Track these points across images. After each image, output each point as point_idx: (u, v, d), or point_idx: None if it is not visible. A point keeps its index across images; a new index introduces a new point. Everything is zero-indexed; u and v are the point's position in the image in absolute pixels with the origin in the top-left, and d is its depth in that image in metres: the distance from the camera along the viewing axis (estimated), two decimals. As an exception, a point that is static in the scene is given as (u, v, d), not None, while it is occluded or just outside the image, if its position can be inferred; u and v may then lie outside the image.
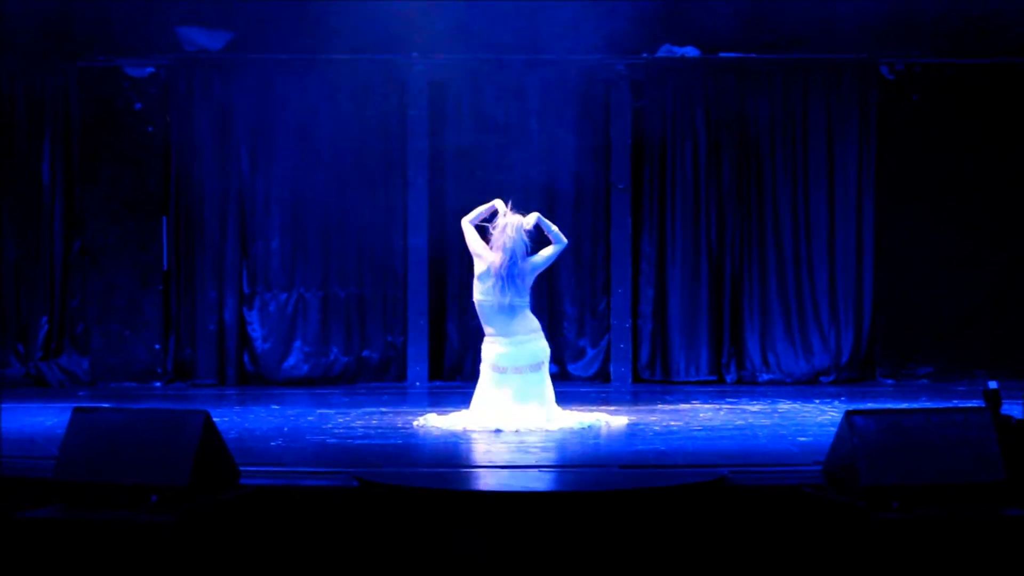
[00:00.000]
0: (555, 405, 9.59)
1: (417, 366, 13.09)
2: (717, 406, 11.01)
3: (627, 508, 6.62)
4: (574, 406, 10.21)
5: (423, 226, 13.09)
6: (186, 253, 13.19)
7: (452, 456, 8.36)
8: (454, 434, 9.12)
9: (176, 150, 13.18)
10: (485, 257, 9.48)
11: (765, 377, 13.15)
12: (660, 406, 11.04)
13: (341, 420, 10.01)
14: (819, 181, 13.21)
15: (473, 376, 9.84)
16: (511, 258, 9.38)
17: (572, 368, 13.32)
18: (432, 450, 8.60)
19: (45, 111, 13.13)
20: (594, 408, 10.28)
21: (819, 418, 10.06)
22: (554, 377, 9.75)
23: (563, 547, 6.51)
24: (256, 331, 13.20)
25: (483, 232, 9.56)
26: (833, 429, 6.68)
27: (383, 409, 10.79)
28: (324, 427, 9.58)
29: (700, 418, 10.12)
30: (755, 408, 10.84)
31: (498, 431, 9.11)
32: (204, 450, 6.29)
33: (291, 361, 13.19)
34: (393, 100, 13.18)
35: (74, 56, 13.08)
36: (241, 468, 6.77)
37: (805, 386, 12.86)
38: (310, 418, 10.16)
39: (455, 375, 13.25)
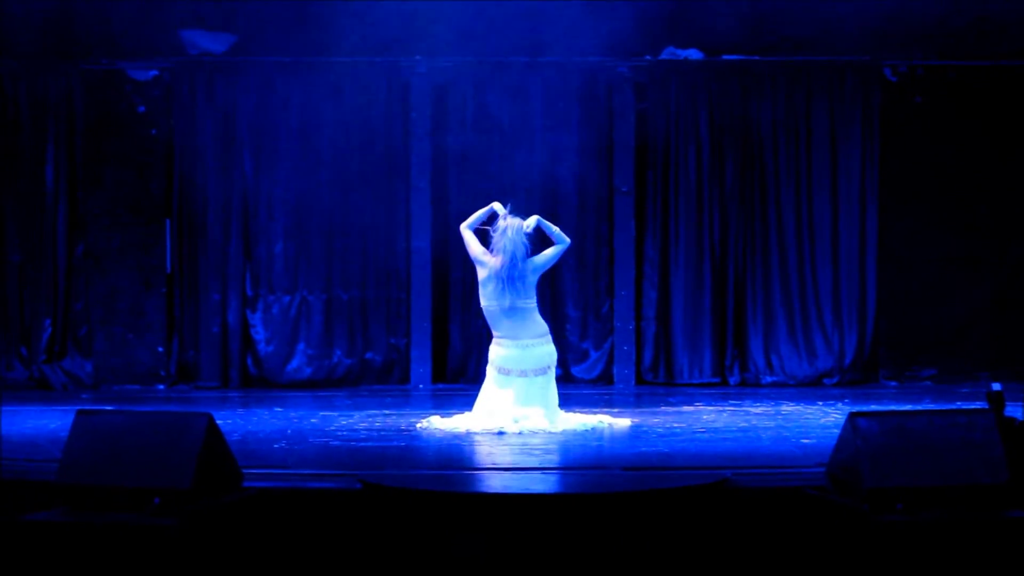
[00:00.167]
0: (558, 408, 9.58)
1: (420, 368, 13.09)
2: (720, 408, 11.01)
3: (630, 510, 6.62)
4: (577, 408, 10.21)
5: (426, 228, 13.10)
6: (189, 256, 13.19)
7: (455, 458, 8.36)
8: (457, 436, 9.12)
9: (179, 153, 13.18)
10: (487, 263, 9.49)
11: (768, 379, 13.14)
12: (663, 408, 11.04)
13: (344, 422, 10.01)
14: (822, 183, 13.20)
15: (476, 378, 9.86)
16: (511, 260, 9.39)
17: (575, 370, 13.32)
18: (435, 452, 8.60)
19: (48, 114, 13.13)
20: (597, 410, 10.27)
21: (822, 420, 10.05)
22: (557, 379, 9.75)
23: (566, 549, 6.51)
24: (259, 333, 13.21)
25: (484, 237, 9.57)
26: (836, 431, 6.67)
27: (386, 411, 10.79)
28: (327, 429, 9.58)
29: (703, 420, 10.12)
30: (758, 410, 10.84)
31: (501, 433, 9.11)
32: (207, 453, 6.29)
33: (294, 364, 13.19)
34: (396, 102, 13.18)
35: (77, 59, 13.09)
36: (244, 471, 6.77)
37: (808, 388, 12.85)
38: (313, 420, 10.16)
39: (458, 377, 13.25)
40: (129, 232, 13.14)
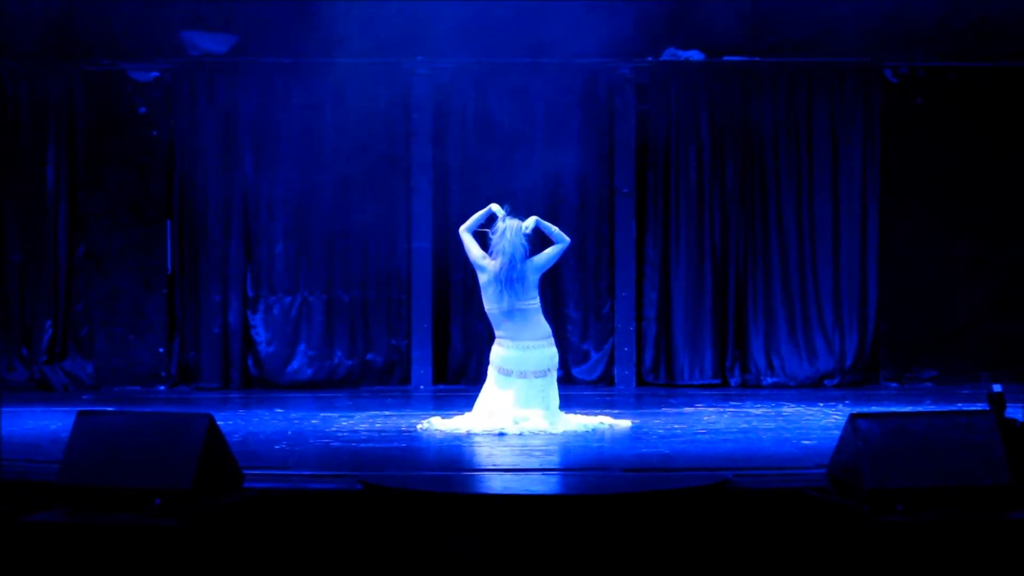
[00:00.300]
0: (559, 410, 9.58)
1: (421, 369, 13.09)
2: (721, 409, 11.01)
3: (631, 511, 6.62)
4: (578, 409, 10.21)
5: (427, 229, 13.10)
6: (190, 257, 13.20)
7: (456, 459, 8.36)
8: (458, 437, 9.12)
9: (180, 154, 13.19)
10: (486, 267, 9.49)
11: (769, 380, 13.14)
12: (664, 409, 11.04)
13: (345, 423, 10.01)
14: (823, 184, 13.21)
15: (477, 379, 9.86)
16: (510, 262, 9.39)
17: (576, 371, 13.32)
18: (436, 453, 8.60)
19: (49, 115, 13.14)
20: (598, 411, 10.27)
21: (823, 421, 10.05)
22: (558, 380, 9.75)
23: (567, 551, 6.51)
24: (260, 334, 13.21)
25: (483, 239, 9.57)
26: (837, 432, 6.67)
27: (387, 412, 10.79)
28: (328, 430, 9.58)
29: (704, 421, 10.11)
30: (759, 411, 10.83)
31: (502, 434, 9.11)
32: (208, 453, 6.29)
33: (295, 364, 13.20)
34: (397, 104, 13.19)
35: (78, 60, 13.10)
36: (245, 471, 6.77)
37: (809, 389, 12.86)
38: (314, 421, 10.16)
39: (459, 378, 13.25)
40: (130, 233, 13.15)
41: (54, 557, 6.04)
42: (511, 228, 9.45)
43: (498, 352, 9.53)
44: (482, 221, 9.63)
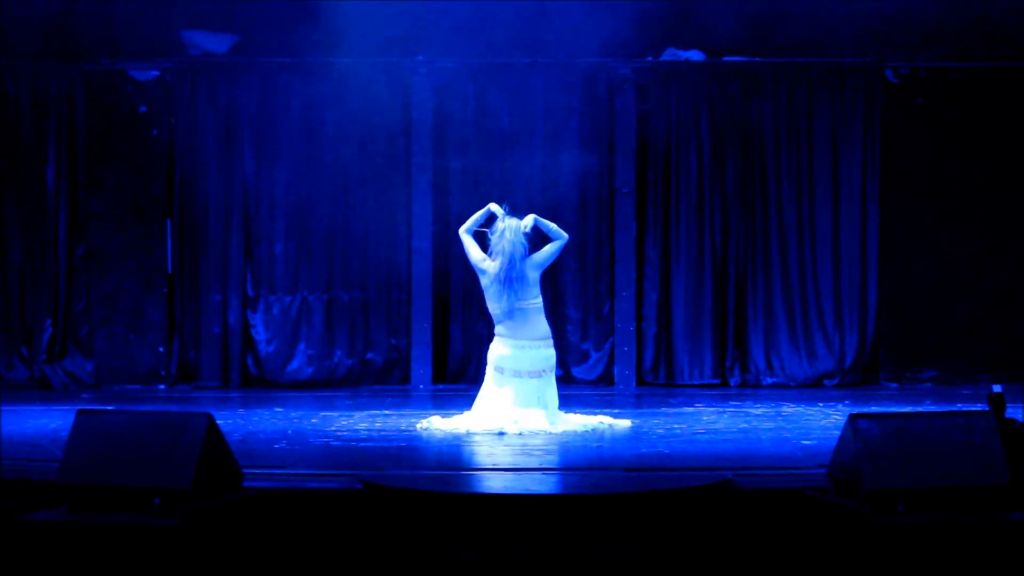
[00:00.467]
0: (559, 409, 9.58)
1: (421, 369, 13.09)
2: (721, 409, 11.01)
3: (631, 511, 6.62)
4: (578, 409, 10.21)
5: (427, 229, 13.10)
6: (190, 256, 13.20)
7: (455, 459, 8.36)
8: (457, 437, 9.12)
9: (180, 153, 13.19)
10: (487, 269, 9.50)
11: (769, 380, 13.14)
12: (664, 409, 11.04)
13: (345, 423, 10.02)
14: (823, 185, 13.20)
15: (476, 379, 9.86)
16: (509, 261, 9.40)
17: (576, 371, 13.32)
18: (436, 453, 8.61)
19: (50, 114, 13.14)
20: (598, 411, 10.27)
21: (823, 421, 10.05)
22: (558, 380, 9.75)
23: (567, 550, 6.51)
24: (260, 334, 13.21)
25: (483, 239, 9.57)
26: (837, 432, 6.67)
27: (387, 412, 10.79)
28: (328, 430, 9.58)
29: (704, 421, 10.11)
30: (759, 411, 10.83)
31: (501, 434, 9.11)
32: (208, 453, 6.29)
33: (295, 364, 13.20)
34: (397, 103, 13.18)
35: (79, 59, 13.10)
36: (245, 471, 6.77)
37: (809, 389, 12.85)
38: (314, 421, 10.17)
39: (459, 378, 13.25)
40: (130, 232, 13.15)
41: (54, 556, 6.04)
42: (510, 228, 9.46)
43: (494, 350, 9.54)
44: (481, 221, 9.64)
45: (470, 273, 11.36)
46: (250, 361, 13.21)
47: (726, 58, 13.24)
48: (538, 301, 9.54)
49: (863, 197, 13.17)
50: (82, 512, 6.20)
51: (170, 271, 13.20)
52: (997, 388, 7.09)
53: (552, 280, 12.90)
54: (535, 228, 9.58)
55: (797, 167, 13.21)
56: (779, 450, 8.48)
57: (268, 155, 13.19)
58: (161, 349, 13.14)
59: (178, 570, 5.97)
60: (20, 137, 13.14)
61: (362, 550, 6.68)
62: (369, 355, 13.25)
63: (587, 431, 9.37)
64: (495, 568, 6.48)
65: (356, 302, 13.25)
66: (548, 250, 9.60)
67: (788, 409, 11.00)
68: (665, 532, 6.60)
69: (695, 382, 13.14)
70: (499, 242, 9.45)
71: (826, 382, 13.09)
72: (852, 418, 6.35)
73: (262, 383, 13.14)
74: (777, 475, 7.33)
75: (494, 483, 7.32)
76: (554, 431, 9.22)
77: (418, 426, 9.65)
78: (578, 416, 9.74)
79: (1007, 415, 6.93)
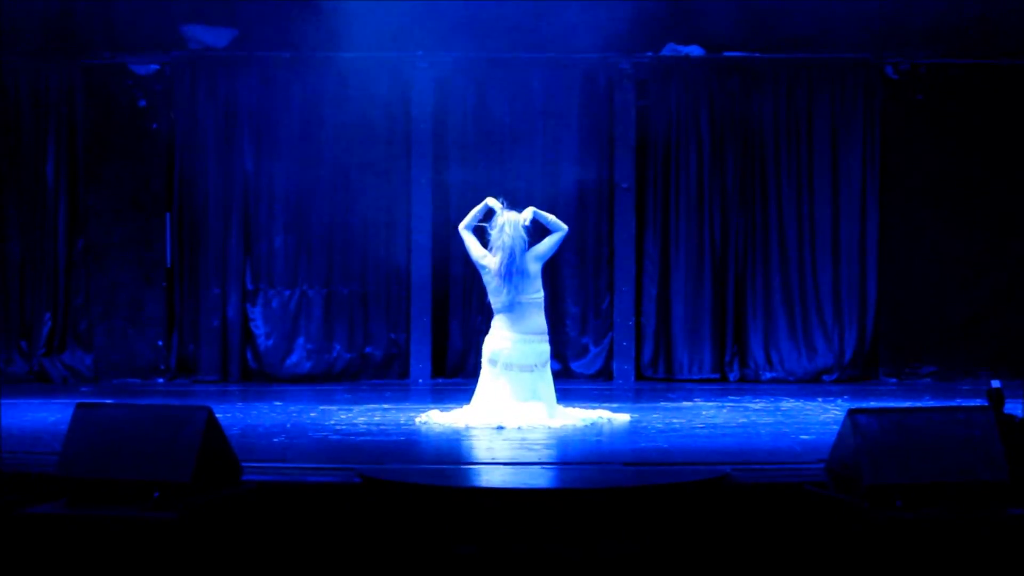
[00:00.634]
0: (556, 403, 9.59)
1: (420, 363, 13.10)
2: (720, 404, 11.01)
3: (629, 506, 6.62)
4: (577, 403, 10.21)
5: (426, 223, 13.10)
6: (190, 250, 13.20)
7: (454, 453, 8.36)
8: (456, 431, 9.12)
9: (180, 147, 13.19)
10: (488, 266, 9.49)
11: (768, 375, 13.15)
12: (663, 404, 11.04)
13: (344, 416, 10.02)
14: (823, 180, 13.21)
15: (475, 373, 9.84)
16: (509, 255, 9.39)
17: (575, 366, 13.32)
18: (434, 447, 8.61)
19: (49, 108, 13.13)
20: (597, 405, 10.28)
21: (822, 416, 10.06)
22: (557, 374, 9.77)
23: (566, 544, 6.51)
24: (259, 328, 13.21)
25: (483, 234, 9.56)
26: (836, 428, 6.67)
27: (386, 406, 10.80)
28: (327, 423, 9.59)
29: (703, 416, 10.12)
30: (758, 406, 10.84)
31: (500, 428, 9.11)
32: (207, 446, 6.29)
33: (294, 358, 13.20)
34: (397, 97, 13.18)
35: (78, 53, 13.10)
36: (244, 464, 6.77)
37: (808, 385, 12.87)
38: (313, 414, 10.17)
39: (458, 372, 13.25)
40: (129, 226, 13.15)
41: (53, 549, 6.04)
42: (509, 222, 9.45)
43: (489, 343, 9.53)
44: (480, 216, 9.63)
45: (469, 267, 11.38)
46: (249, 355, 13.21)
47: (726, 53, 13.24)
48: (539, 295, 9.53)
49: (863, 192, 13.17)
50: (81, 505, 6.20)
51: (169, 265, 13.21)
52: (996, 384, 7.09)
53: (552, 275, 12.89)
54: (534, 221, 9.58)
55: (797, 162, 13.22)
56: (778, 445, 8.49)
57: (268, 149, 13.20)
58: (160, 343, 13.15)
59: (177, 563, 5.97)
60: (19, 131, 13.14)
61: (361, 544, 6.69)
62: (368, 349, 13.26)
63: (586, 425, 9.37)
64: (494, 562, 6.49)
65: (355, 296, 13.25)
66: (548, 242, 9.60)
67: (787, 404, 11.00)
68: (664, 526, 6.60)
69: (694, 377, 13.15)
70: (499, 237, 9.44)
71: (825, 377, 13.10)
72: (851, 413, 6.35)
73: (261, 377, 13.14)
74: (776, 470, 7.33)
75: (493, 477, 7.32)
76: (553, 425, 9.22)
77: (417, 420, 9.65)
78: (577, 410, 9.74)
79: (1006, 411, 6.94)
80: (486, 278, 9.56)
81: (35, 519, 6.12)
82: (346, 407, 10.68)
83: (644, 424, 9.56)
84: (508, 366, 9.40)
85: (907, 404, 9.90)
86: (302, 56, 13.09)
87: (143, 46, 13.13)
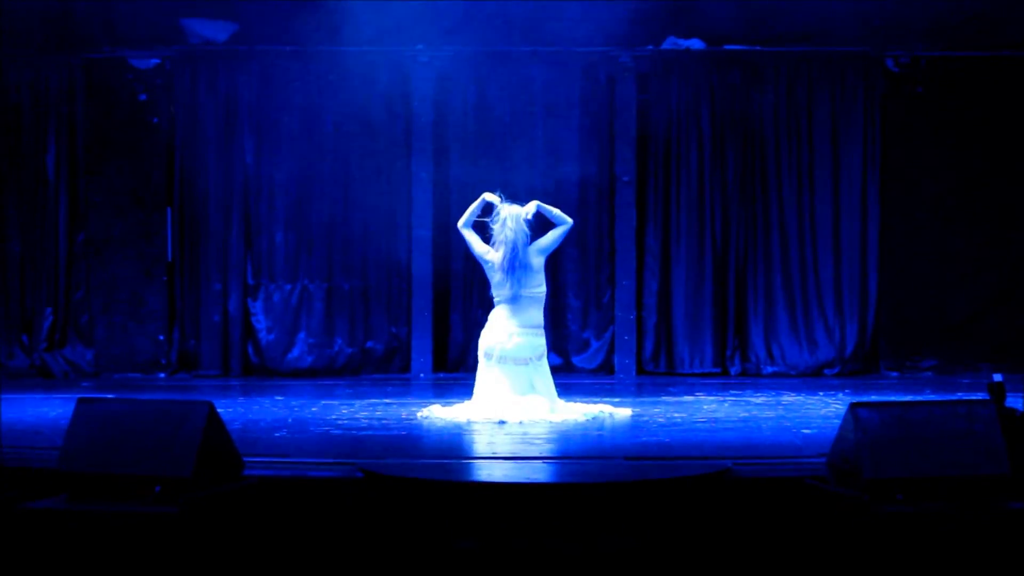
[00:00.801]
0: (557, 397, 9.58)
1: (421, 357, 13.10)
2: (721, 398, 11.01)
3: (631, 500, 6.62)
4: (578, 398, 10.21)
5: (427, 218, 13.10)
6: (190, 244, 13.20)
7: (456, 447, 8.36)
8: (458, 425, 9.12)
9: (181, 141, 13.19)
10: (492, 260, 9.48)
11: (769, 369, 13.15)
12: (664, 398, 11.04)
13: (345, 411, 10.02)
14: (824, 173, 13.21)
15: (476, 368, 9.83)
16: (512, 249, 9.38)
17: (576, 360, 13.32)
18: (436, 441, 8.61)
19: (50, 102, 13.14)
20: (598, 400, 10.28)
21: (823, 410, 10.05)
22: (558, 369, 9.77)
23: (567, 539, 6.51)
24: (260, 322, 13.21)
25: (485, 230, 9.55)
26: (837, 421, 6.67)
27: (387, 400, 10.79)
28: (328, 418, 9.58)
29: (704, 410, 10.12)
30: (759, 400, 10.84)
31: (502, 423, 9.10)
32: (208, 441, 6.29)
33: (295, 352, 13.20)
34: (398, 92, 13.18)
35: (79, 48, 13.10)
36: (245, 459, 6.77)
37: (809, 378, 12.87)
38: (314, 409, 10.17)
39: (459, 367, 13.26)
40: (130, 221, 13.16)
41: (54, 544, 6.04)
42: (511, 216, 9.43)
43: (484, 336, 9.50)
44: (478, 212, 9.60)
45: (469, 262, 11.39)
46: (250, 349, 13.22)
47: (727, 47, 13.24)
48: (542, 289, 9.52)
49: (863, 185, 13.17)
50: (82, 500, 6.20)
51: (170, 259, 13.21)
52: (997, 377, 7.08)
53: (553, 269, 12.87)
54: (538, 214, 9.56)
55: (797, 155, 13.22)
56: (779, 439, 8.48)
57: (268, 143, 13.20)
58: (161, 337, 13.15)
59: (179, 558, 5.97)
60: (20, 126, 13.14)
61: (362, 539, 6.68)
62: (369, 344, 13.26)
63: (587, 420, 9.36)
64: (496, 557, 6.49)
65: (356, 291, 13.25)
66: (552, 236, 9.58)
67: (788, 398, 11.00)
68: (665, 521, 6.60)
69: (695, 371, 13.15)
70: (501, 231, 9.43)
71: (826, 371, 13.10)
72: (852, 407, 6.35)
73: (262, 371, 13.15)
74: (777, 464, 7.32)
75: (494, 472, 7.31)
76: (554, 420, 9.21)
77: (418, 415, 9.65)
78: (578, 405, 9.74)
79: (1007, 404, 6.93)
80: (490, 272, 9.55)
81: (36, 514, 6.12)
82: (347, 402, 10.68)
83: (645, 418, 9.55)
84: (503, 359, 9.39)
85: (908, 398, 9.90)
86: (303, 50, 13.08)
87: (143, 40, 13.13)
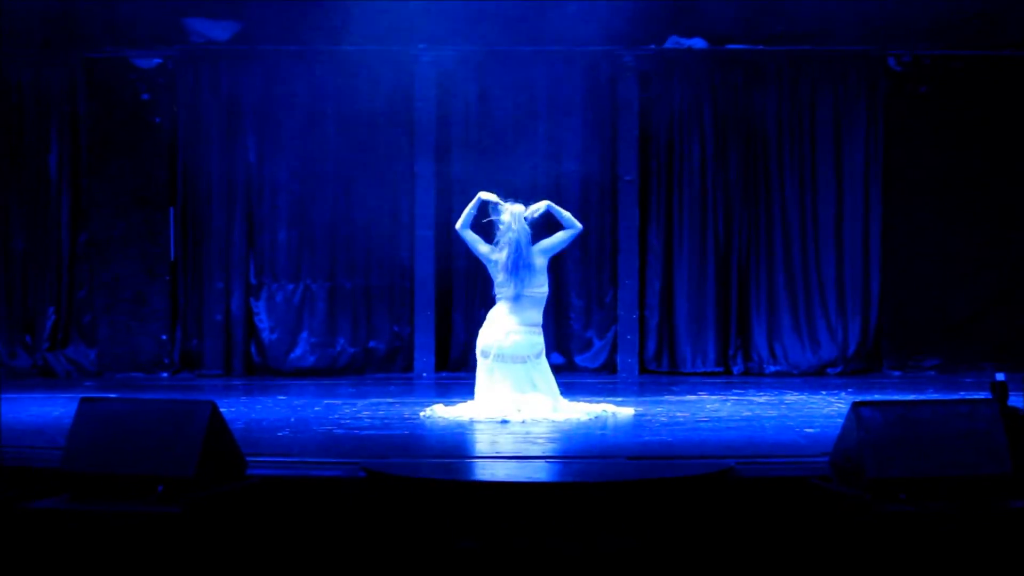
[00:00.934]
0: (560, 395, 9.58)
1: (424, 357, 13.10)
2: (724, 397, 11.00)
3: (634, 499, 6.62)
4: (581, 397, 10.21)
5: (430, 217, 13.10)
6: (193, 244, 13.21)
7: (458, 447, 8.36)
8: (460, 425, 9.12)
9: (183, 141, 13.19)
10: (496, 259, 9.47)
11: (772, 369, 13.14)
12: (667, 397, 11.04)
13: (348, 411, 10.02)
14: (826, 173, 13.20)
15: (479, 367, 9.83)
16: (515, 249, 9.37)
17: (579, 359, 13.32)
18: (438, 441, 8.61)
19: (52, 102, 13.14)
20: (601, 399, 10.27)
21: (826, 410, 10.04)
22: (561, 368, 9.77)
23: (569, 538, 6.51)
24: (263, 322, 13.22)
25: (488, 230, 9.54)
26: (840, 421, 6.67)
27: (390, 400, 10.79)
28: (331, 418, 9.59)
29: (707, 409, 10.11)
30: (762, 399, 10.83)
31: (504, 422, 9.10)
32: (211, 441, 6.29)
33: (298, 352, 13.21)
34: (400, 91, 13.17)
35: (81, 47, 13.09)
36: (248, 458, 6.77)
37: (812, 378, 12.86)
38: (317, 409, 10.17)
39: (461, 366, 13.25)
40: (132, 220, 13.16)
41: (57, 544, 6.04)
42: (513, 215, 9.43)
43: (482, 335, 9.50)
44: (475, 213, 9.58)
45: (472, 261, 11.38)
46: (253, 349, 13.22)
47: (729, 46, 13.23)
48: (544, 290, 9.51)
49: (865, 184, 13.17)
50: (85, 500, 6.20)
51: (173, 259, 13.21)
52: (1000, 376, 7.08)
53: (555, 268, 12.85)
54: (545, 214, 9.54)
55: (800, 155, 13.21)
56: (782, 438, 8.48)
57: (271, 142, 13.20)
58: (164, 337, 13.15)
59: (182, 558, 5.97)
60: (22, 125, 13.14)
61: (365, 538, 6.69)
62: (372, 343, 13.26)
63: (590, 419, 9.36)
64: (498, 556, 6.49)
65: (359, 290, 13.26)
66: (558, 238, 9.58)
67: (791, 397, 11.00)
68: (668, 520, 6.60)
69: (698, 370, 13.15)
70: (506, 233, 9.43)
71: (829, 370, 13.10)
72: (855, 406, 6.34)
73: (265, 371, 13.15)
74: (780, 463, 7.32)
75: (497, 471, 7.32)
76: (557, 419, 9.21)
77: (421, 414, 9.65)
78: (581, 404, 9.73)
79: (1010, 403, 6.93)
80: (493, 271, 9.54)
81: (38, 514, 6.12)
82: (350, 401, 10.68)
83: (648, 418, 9.55)
84: (500, 357, 9.39)
85: (911, 397, 9.89)
86: (305, 49, 13.08)
87: (145, 40, 13.13)
